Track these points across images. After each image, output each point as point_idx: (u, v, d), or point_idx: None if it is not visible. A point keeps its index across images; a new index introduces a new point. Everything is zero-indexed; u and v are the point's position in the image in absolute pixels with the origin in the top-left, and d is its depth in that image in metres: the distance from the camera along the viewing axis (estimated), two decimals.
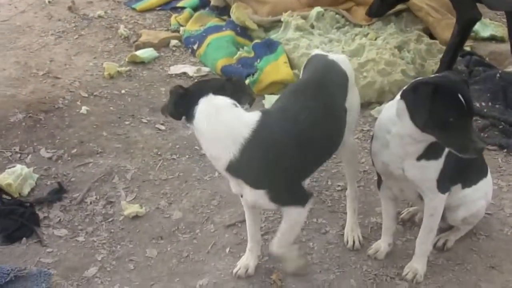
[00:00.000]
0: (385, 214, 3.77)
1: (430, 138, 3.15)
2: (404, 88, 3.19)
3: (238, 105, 3.10)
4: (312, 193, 3.40)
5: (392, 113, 3.24)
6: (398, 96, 3.22)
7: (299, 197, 3.26)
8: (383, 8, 5.50)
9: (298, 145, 3.17)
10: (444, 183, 3.43)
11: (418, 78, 3.39)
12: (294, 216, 3.28)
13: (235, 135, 3.03)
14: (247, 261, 3.66)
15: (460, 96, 3.00)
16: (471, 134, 3.06)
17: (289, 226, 3.33)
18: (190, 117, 3.07)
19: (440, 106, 2.99)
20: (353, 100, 3.62)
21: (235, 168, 3.08)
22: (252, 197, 3.17)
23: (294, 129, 3.18)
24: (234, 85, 3.16)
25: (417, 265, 3.63)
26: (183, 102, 3.08)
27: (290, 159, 3.15)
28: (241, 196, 3.29)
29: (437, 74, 3.60)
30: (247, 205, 3.45)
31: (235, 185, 3.24)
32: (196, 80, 5.59)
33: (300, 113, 3.25)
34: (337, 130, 3.48)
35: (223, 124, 3.02)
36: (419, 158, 3.30)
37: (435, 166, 3.33)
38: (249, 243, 3.65)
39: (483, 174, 3.78)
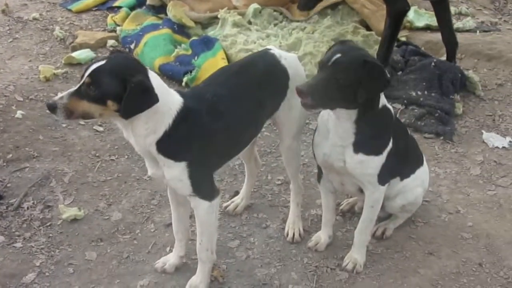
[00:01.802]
0: (325, 206, 3.80)
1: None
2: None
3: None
4: (219, 190, 3.40)
5: None
6: None
7: (208, 189, 3.30)
8: (312, 1, 5.49)
9: (211, 119, 3.23)
10: (385, 176, 3.49)
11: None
12: (202, 213, 3.31)
13: (170, 112, 3.10)
14: (168, 257, 3.70)
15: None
16: None
17: (201, 226, 3.38)
18: None
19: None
20: (297, 103, 3.48)
21: (163, 144, 3.12)
22: (174, 172, 3.18)
23: (207, 102, 3.26)
24: None
25: (356, 255, 3.67)
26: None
27: (206, 131, 3.21)
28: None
29: None
30: (174, 194, 3.50)
31: (154, 166, 3.25)
32: None
33: (215, 89, 3.35)
34: (252, 117, 3.48)
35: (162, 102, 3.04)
36: (356, 150, 3.35)
37: (376, 162, 3.40)
38: (175, 242, 3.67)
39: (420, 163, 3.86)
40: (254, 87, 3.42)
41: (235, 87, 3.39)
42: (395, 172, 3.62)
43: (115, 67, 3.00)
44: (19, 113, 5.00)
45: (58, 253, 3.80)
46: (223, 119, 3.26)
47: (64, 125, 4.94)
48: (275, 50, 3.66)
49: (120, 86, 2.93)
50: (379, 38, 5.74)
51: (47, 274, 3.66)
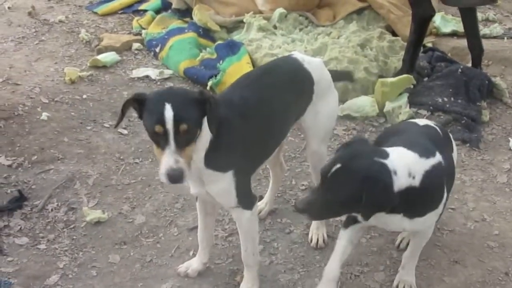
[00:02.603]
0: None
1: None
2: None
3: None
4: (256, 196, 3.34)
5: None
6: None
7: (249, 198, 3.26)
8: None
9: (243, 123, 3.18)
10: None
11: None
12: (245, 223, 3.28)
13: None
14: (191, 261, 3.68)
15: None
16: None
17: (245, 235, 3.34)
18: None
19: None
20: (323, 107, 3.57)
21: (209, 158, 3.06)
22: (222, 184, 3.12)
23: (237, 107, 3.21)
24: None
25: (407, 277, 3.56)
26: None
27: (242, 136, 3.17)
28: (196, 199, 3.36)
29: None
30: (204, 204, 3.47)
31: (198, 185, 3.18)
32: (158, 83, 5.59)
33: (241, 93, 3.30)
34: (280, 120, 3.44)
35: None
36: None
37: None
38: (199, 248, 3.65)
39: None
40: (279, 91, 3.40)
41: (260, 90, 3.36)
42: None
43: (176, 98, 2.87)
44: (44, 115, 5.02)
45: (81, 255, 3.80)
46: (254, 122, 3.23)
47: (88, 128, 4.95)
48: (298, 55, 3.65)
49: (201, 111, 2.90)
50: (405, 44, 5.72)
51: (70, 276, 3.67)
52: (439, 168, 3.10)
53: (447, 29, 6.28)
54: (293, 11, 6.35)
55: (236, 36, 6.18)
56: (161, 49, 6.06)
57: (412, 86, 5.33)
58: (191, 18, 6.44)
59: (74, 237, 3.94)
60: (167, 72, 5.80)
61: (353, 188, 2.85)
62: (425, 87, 5.33)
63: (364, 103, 5.13)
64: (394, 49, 5.80)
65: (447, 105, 5.13)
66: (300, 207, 3.00)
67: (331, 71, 3.80)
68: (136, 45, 6.27)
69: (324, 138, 3.72)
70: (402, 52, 5.60)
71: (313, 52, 5.62)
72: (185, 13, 6.61)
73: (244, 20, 6.23)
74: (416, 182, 2.97)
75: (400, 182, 2.91)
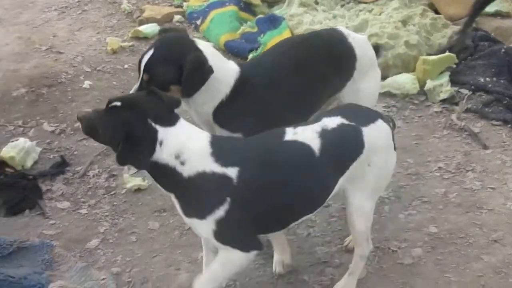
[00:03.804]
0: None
1: None
2: None
3: None
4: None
5: None
6: None
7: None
8: None
9: (268, 88, 3.29)
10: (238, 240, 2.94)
11: None
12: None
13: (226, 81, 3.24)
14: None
15: None
16: None
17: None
18: None
19: None
20: (364, 85, 3.57)
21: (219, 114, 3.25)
22: None
23: (266, 71, 3.33)
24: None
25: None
26: None
27: (263, 101, 3.28)
28: None
29: None
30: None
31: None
32: None
33: (274, 59, 3.41)
34: (312, 90, 3.43)
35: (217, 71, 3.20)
36: (181, 211, 2.89)
37: (200, 225, 2.86)
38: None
39: None
40: (316, 60, 3.41)
41: (295, 58, 3.39)
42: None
43: (165, 54, 3.12)
44: (86, 83, 5.07)
45: (121, 221, 3.86)
46: (278, 89, 3.27)
47: None
48: (344, 29, 3.63)
49: (176, 71, 3.07)
50: (448, 22, 5.70)
51: (110, 241, 3.73)
52: (222, 180, 2.80)
53: (491, 9, 6.16)
54: None
55: (277, 11, 6.16)
56: (202, 22, 6.07)
57: (454, 65, 5.27)
58: None
59: (115, 203, 4.00)
60: None
61: (114, 133, 2.72)
62: (467, 66, 5.27)
63: (405, 80, 5.09)
64: (437, 26, 5.72)
65: (489, 85, 5.06)
66: (79, 115, 3.01)
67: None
68: (177, 17, 6.29)
69: None
70: (446, 30, 5.55)
71: (354, 28, 5.57)
72: None
73: None
74: (185, 171, 2.77)
75: (162, 156, 2.75)
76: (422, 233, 3.78)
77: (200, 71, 3.08)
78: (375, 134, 3.03)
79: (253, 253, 2.90)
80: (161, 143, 2.74)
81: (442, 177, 4.23)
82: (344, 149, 2.98)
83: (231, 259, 2.90)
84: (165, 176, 2.81)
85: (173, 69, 3.06)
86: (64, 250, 3.59)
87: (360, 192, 3.09)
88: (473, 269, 3.53)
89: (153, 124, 2.74)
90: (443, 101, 5.00)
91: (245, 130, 3.16)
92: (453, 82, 5.13)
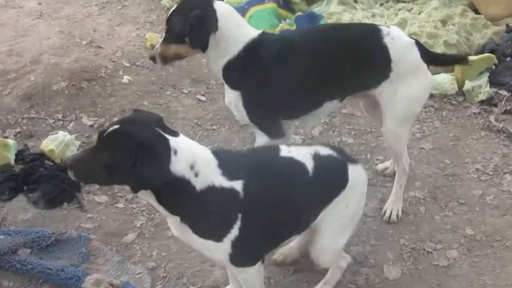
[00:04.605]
0: None
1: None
2: None
3: None
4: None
5: None
6: None
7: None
8: None
9: (277, 61, 3.45)
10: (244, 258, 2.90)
11: None
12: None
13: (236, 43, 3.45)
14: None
15: None
16: None
17: None
18: None
19: None
20: (404, 88, 3.51)
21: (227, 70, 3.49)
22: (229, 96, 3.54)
23: (283, 45, 3.47)
24: None
25: None
26: None
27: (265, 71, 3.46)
28: None
29: None
30: None
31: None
32: None
33: (299, 37, 3.59)
34: (326, 77, 3.50)
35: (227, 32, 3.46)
36: (194, 231, 2.77)
37: (217, 248, 2.78)
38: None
39: None
40: (338, 51, 3.46)
41: (316, 42, 3.51)
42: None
43: (180, 8, 3.39)
44: (125, 78, 5.10)
45: (158, 216, 3.87)
46: (287, 67, 3.42)
47: (168, 93, 5.02)
48: (386, 28, 3.56)
49: (185, 24, 3.30)
50: (488, 22, 5.66)
51: (146, 235, 3.76)
52: (231, 195, 2.72)
53: None
54: None
55: (316, 9, 6.14)
56: None
57: (493, 66, 5.21)
58: None
59: None
60: None
61: (125, 152, 2.50)
62: (507, 67, 5.20)
63: (443, 80, 5.04)
64: (477, 26, 5.66)
65: None
66: (68, 162, 2.68)
67: (444, 55, 3.79)
68: None
69: (403, 120, 3.61)
70: (486, 31, 5.50)
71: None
72: None
73: None
74: (198, 184, 2.63)
75: (178, 166, 2.58)
76: (458, 235, 3.76)
77: (202, 27, 3.32)
78: (357, 175, 3.07)
79: (259, 263, 2.90)
80: (175, 152, 2.57)
81: (479, 178, 4.19)
82: (331, 178, 3.01)
83: (250, 279, 2.92)
84: (178, 192, 2.63)
85: (183, 23, 3.33)
86: (101, 244, 3.63)
87: (333, 230, 3.07)
88: (510, 273, 3.51)
89: (162, 132, 2.60)
90: (482, 102, 4.95)
91: (243, 90, 3.47)
92: (492, 83, 5.07)
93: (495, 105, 4.90)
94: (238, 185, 2.72)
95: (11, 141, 4.27)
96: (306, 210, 2.97)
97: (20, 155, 4.26)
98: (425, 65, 3.55)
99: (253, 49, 3.41)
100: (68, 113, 4.72)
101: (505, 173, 4.23)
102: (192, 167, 2.61)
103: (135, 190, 2.61)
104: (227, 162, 2.76)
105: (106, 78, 5.10)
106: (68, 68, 5.13)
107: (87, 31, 5.82)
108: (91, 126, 4.61)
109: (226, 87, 3.54)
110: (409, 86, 3.51)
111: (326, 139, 4.54)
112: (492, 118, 4.75)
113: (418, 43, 3.59)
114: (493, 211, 3.92)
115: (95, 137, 4.42)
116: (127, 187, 2.65)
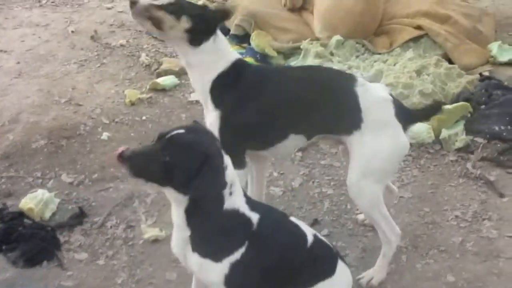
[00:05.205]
0: None
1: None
2: None
3: None
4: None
5: None
6: None
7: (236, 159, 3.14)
8: None
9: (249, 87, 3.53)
10: None
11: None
12: None
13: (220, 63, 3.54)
14: None
15: None
16: None
17: None
18: None
19: None
20: (372, 142, 3.43)
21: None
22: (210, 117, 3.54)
23: (255, 74, 3.59)
24: None
25: None
26: None
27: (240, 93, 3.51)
28: None
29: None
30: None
31: None
32: None
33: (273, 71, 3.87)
34: (292, 114, 3.54)
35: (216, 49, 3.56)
36: (193, 248, 2.84)
37: (215, 268, 2.81)
38: None
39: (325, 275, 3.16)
40: (310, 87, 3.51)
41: (293, 76, 3.67)
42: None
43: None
44: (105, 135, 5.12)
45: (139, 272, 3.84)
46: (262, 96, 3.49)
47: None
48: (362, 79, 3.57)
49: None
50: (462, 72, 5.73)
51: None
52: (247, 223, 2.83)
53: (504, 58, 6.20)
54: (350, 38, 6.36)
55: (293, 62, 6.21)
56: None
57: (468, 114, 5.28)
58: (249, 44, 6.48)
59: (132, 254, 3.99)
60: None
61: (191, 158, 2.63)
62: (482, 115, 5.26)
63: (420, 130, 5.08)
64: (451, 76, 5.73)
65: (504, 133, 5.05)
66: (126, 154, 2.69)
67: (421, 110, 3.85)
68: None
69: (366, 174, 3.47)
70: (460, 80, 5.58)
71: (369, 78, 5.60)
72: (243, 38, 6.64)
73: (301, 47, 6.26)
74: (227, 203, 2.76)
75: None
76: (440, 283, 3.75)
77: (204, 23, 3.41)
78: (344, 272, 3.19)
79: None
80: (226, 168, 2.75)
81: (459, 225, 4.20)
82: (322, 260, 3.11)
83: None
84: (208, 205, 2.73)
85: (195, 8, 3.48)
86: None
87: None
88: None
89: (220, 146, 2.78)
90: (458, 149, 4.99)
91: (223, 110, 3.48)
92: (468, 131, 5.12)
93: (472, 153, 4.94)
94: (255, 217, 2.84)
95: None
96: (298, 274, 3.01)
97: None
98: (399, 125, 3.46)
99: (235, 71, 3.51)
100: (48, 171, 4.71)
101: (484, 219, 4.24)
102: (230, 186, 2.76)
103: (184, 193, 2.70)
104: (248, 196, 2.94)
105: (85, 135, 5.12)
106: (47, 126, 5.14)
107: (66, 89, 5.85)
108: (71, 183, 4.59)
109: (208, 109, 3.56)
110: (378, 141, 3.43)
111: (306, 191, 4.54)
112: (469, 165, 4.79)
113: (396, 102, 3.52)
114: (474, 258, 3.92)
115: (74, 194, 4.46)
116: (171, 189, 2.72)
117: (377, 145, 3.44)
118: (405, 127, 3.50)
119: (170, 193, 2.76)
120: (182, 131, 2.72)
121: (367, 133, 3.43)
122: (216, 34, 3.47)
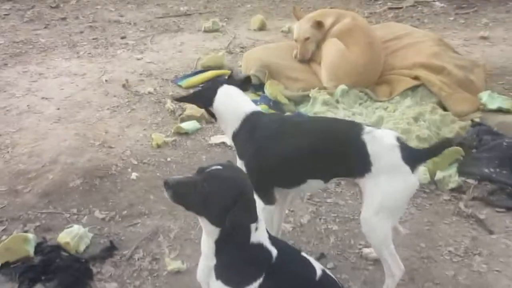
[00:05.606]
0: None
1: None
2: None
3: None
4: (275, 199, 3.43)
5: None
6: None
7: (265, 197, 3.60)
8: None
9: (264, 136, 3.61)
10: None
11: None
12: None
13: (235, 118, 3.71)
14: None
15: None
16: None
17: None
18: None
19: None
20: (384, 183, 3.46)
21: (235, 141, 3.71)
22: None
23: (268, 124, 3.65)
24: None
25: None
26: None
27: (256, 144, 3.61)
28: None
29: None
30: None
31: None
32: (233, 149, 5.70)
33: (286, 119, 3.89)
34: (305, 160, 3.60)
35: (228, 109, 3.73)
36: (217, 276, 2.90)
37: None
38: None
39: None
40: (321, 138, 3.57)
41: (305, 128, 3.68)
42: None
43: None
44: (133, 175, 5.19)
45: None
46: (275, 145, 3.56)
47: None
48: (369, 127, 3.57)
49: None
50: (455, 118, 5.78)
51: None
52: (267, 256, 2.89)
53: (493, 105, 6.24)
54: (354, 87, 6.43)
55: (303, 109, 6.29)
56: None
57: (461, 157, 5.31)
58: (263, 92, 6.57)
59: (157, 284, 4.03)
60: None
61: (227, 194, 2.70)
62: (473, 158, 5.30)
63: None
64: (446, 122, 5.78)
65: (494, 175, 5.08)
66: (170, 182, 2.80)
67: (427, 149, 3.96)
68: None
69: (378, 211, 3.51)
70: (453, 125, 5.62)
71: (371, 124, 5.64)
72: (258, 87, 6.72)
73: (310, 95, 6.34)
74: (253, 237, 2.84)
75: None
76: None
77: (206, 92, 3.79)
78: None
79: None
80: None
81: (452, 260, 4.21)
82: None
83: None
84: (237, 238, 2.81)
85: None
86: None
87: None
88: None
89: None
90: (452, 190, 5.01)
91: (245, 160, 3.64)
92: (461, 172, 5.15)
93: (464, 193, 4.96)
94: (274, 252, 2.89)
95: (30, 235, 4.31)
96: None
97: (39, 247, 4.28)
98: (406, 167, 3.47)
99: (248, 126, 3.65)
100: (82, 208, 4.78)
101: (474, 255, 4.25)
102: (258, 221, 2.82)
103: (217, 224, 2.79)
104: (268, 232, 2.97)
105: (116, 175, 5.19)
106: (83, 167, 5.22)
107: (99, 132, 5.94)
108: (103, 219, 4.65)
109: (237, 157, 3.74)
110: (388, 183, 3.47)
111: (314, 227, 4.58)
112: (461, 204, 4.81)
113: (403, 146, 3.53)
114: None
115: (106, 229, 4.52)
116: (206, 220, 2.81)
117: (387, 186, 3.48)
118: (413, 168, 3.50)
119: (204, 224, 2.83)
120: (219, 167, 2.81)
121: (378, 175, 3.48)
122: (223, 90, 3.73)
